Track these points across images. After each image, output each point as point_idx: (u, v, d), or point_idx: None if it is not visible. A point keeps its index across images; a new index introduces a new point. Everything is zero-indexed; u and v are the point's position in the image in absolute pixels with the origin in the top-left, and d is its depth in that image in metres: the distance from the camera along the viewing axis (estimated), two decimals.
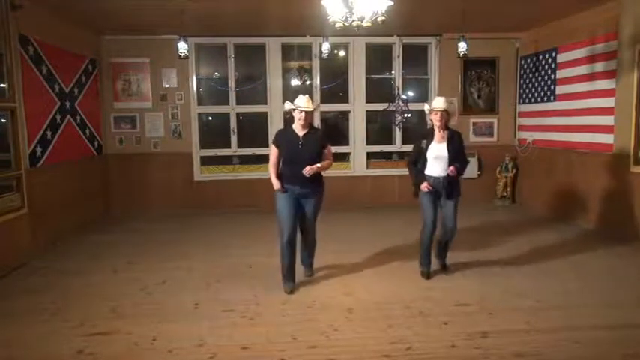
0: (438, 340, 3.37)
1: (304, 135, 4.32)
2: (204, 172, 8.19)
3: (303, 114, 4.25)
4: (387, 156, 8.52)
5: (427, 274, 4.62)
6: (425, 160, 4.49)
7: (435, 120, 4.42)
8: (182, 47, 6.52)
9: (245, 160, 8.33)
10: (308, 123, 4.34)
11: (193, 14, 6.29)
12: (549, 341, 3.34)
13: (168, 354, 3.24)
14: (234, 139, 8.13)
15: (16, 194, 5.25)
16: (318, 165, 4.25)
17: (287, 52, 8.20)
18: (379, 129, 8.77)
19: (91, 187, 7.31)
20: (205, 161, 8.21)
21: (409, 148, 8.50)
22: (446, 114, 4.41)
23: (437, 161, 4.43)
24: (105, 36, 7.71)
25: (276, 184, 4.35)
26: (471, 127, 8.39)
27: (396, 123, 8.29)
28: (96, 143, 7.55)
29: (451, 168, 4.35)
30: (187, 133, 8.04)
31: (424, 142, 4.51)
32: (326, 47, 7.32)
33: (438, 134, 4.47)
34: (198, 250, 5.76)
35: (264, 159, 8.27)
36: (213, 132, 8.57)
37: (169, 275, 4.82)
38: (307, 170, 4.17)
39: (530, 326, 3.57)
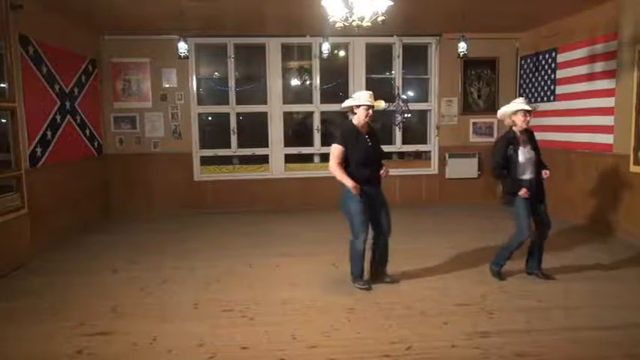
0: (438, 340, 3.37)
1: (368, 134, 4.24)
2: (204, 172, 8.18)
3: (370, 111, 4.15)
4: (387, 156, 8.51)
5: (500, 275, 4.59)
6: (516, 165, 4.36)
7: (523, 122, 4.34)
8: (182, 47, 6.53)
9: (245, 160, 8.33)
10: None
11: (193, 14, 6.29)
12: (549, 341, 3.34)
13: (168, 354, 3.24)
14: (234, 139, 8.13)
15: (16, 194, 5.25)
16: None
17: (287, 52, 8.20)
18: (379, 129, 8.76)
19: (91, 187, 7.30)
20: (205, 161, 8.20)
21: (409, 148, 8.61)
22: (529, 114, 4.38)
23: (528, 163, 4.36)
24: (105, 36, 7.70)
25: (352, 184, 4.09)
26: (471, 127, 8.39)
27: (396, 123, 8.29)
28: (96, 143, 7.55)
29: (547, 172, 4.39)
30: (187, 133, 8.03)
31: (511, 147, 4.38)
32: (326, 47, 7.31)
33: (521, 136, 4.41)
34: (198, 249, 5.76)
35: (264, 159, 8.36)
36: (213, 132, 8.58)
37: (169, 275, 4.82)
38: (384, 173, 4.23)
39: (530, 326, 3.57)
